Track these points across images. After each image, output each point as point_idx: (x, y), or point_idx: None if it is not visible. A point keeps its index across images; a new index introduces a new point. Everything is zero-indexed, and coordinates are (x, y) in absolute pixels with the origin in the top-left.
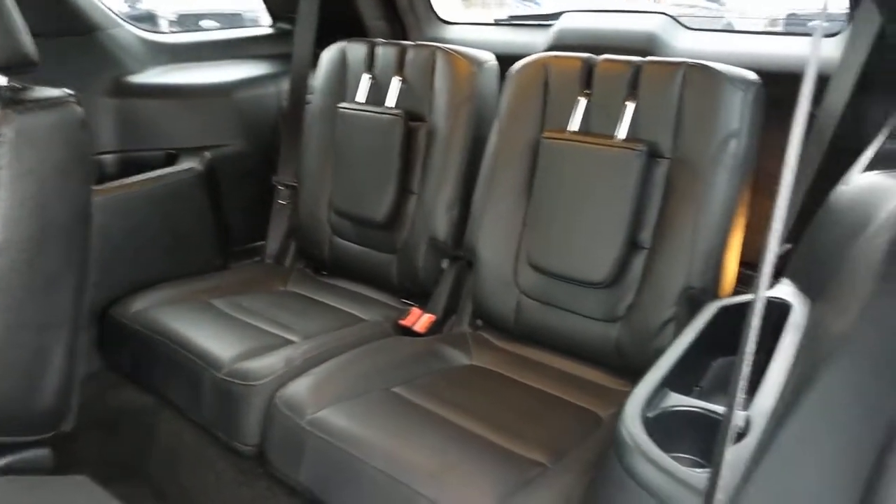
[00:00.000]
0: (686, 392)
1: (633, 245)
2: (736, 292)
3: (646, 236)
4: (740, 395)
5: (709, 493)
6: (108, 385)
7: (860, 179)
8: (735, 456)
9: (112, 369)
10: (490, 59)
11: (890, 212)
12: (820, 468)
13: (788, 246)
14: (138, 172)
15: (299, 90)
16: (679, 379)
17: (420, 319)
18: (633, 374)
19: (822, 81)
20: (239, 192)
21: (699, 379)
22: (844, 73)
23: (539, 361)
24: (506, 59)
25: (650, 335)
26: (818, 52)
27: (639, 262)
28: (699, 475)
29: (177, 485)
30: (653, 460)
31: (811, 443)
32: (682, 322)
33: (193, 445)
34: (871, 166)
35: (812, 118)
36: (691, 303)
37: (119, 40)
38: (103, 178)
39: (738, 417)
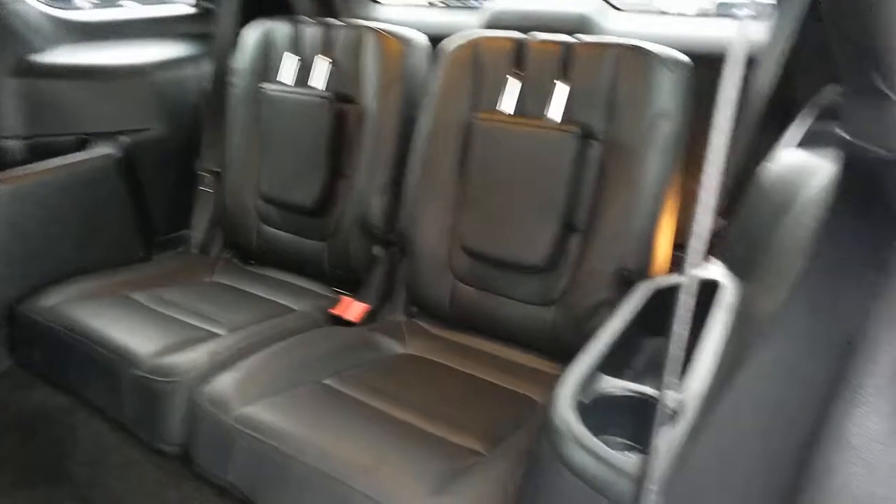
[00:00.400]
0: (619, 374)
1: (568, 228)
2: (668, 274)
3: (580, 219)
4: (673, 380)
5: (642, 477)
6: (19, 385)
7: (786, 158)
8: (668, 439)
9: (23, 368)
10: (421, 38)
11: (815, 189)
12: (753, 448)
13: (724, 223)
14: (48, 158)
15: (222, 72)
16: (612, 361)
17: (351, 308)
18: (570, 357)
19: (751, 63)
20: (160, 180)
21: (632, 360)
22: (771, 55)
23: (475, 348)
24: (438, 41)
25: (585, 318)
26: (746, 32)
27: (574, 245)
28: (631, 460)
29: (98, 489)
30: (585, 446)
31: (744, 422)
32: (616, 304)
33: (114, 447)
34: (796, 144)
35: (741, 100)
36: (625, 285)
37: (23, 17)
38: (9, 164)
39: (671, 400)
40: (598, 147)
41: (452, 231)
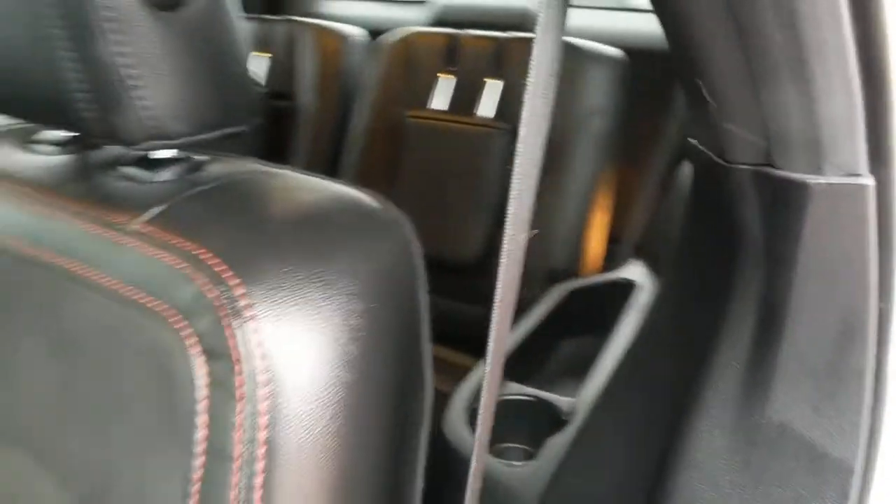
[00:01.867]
0: (528, 379)
1: (500, 225)
2: (605, 269)
3: None
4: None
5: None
6: None
7: None
8: (556, 444)
9: None
10: (360, 33)
11: None
12: (618, 461)
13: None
14: None
15: None
16: (520, 365)
17: None
18: None
19: None
20: None
21: (544, 364)
22: None
23: None
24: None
25: (514, 316)
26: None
27: None
28: (511, 469)
29: None
30: (466, 456)
31: (614, 433)
32: None
33: None
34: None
35: (674, 96)
36: (554, 283)
37: None
38: None
39: (564, 403)
40: None
41: None
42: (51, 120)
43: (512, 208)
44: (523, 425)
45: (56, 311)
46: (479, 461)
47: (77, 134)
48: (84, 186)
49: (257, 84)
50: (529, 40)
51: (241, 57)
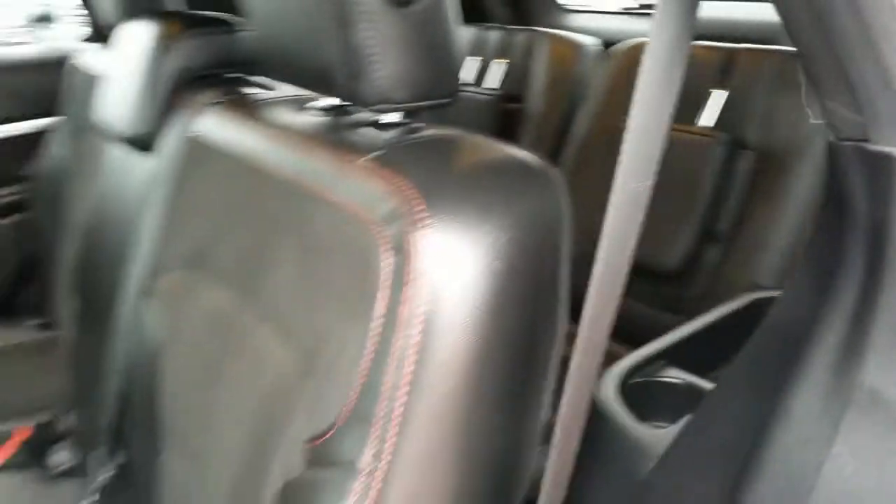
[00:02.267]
0: (699, 374)
1: (707, 236)
2: None
3: (722, 228)
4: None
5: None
6: None
7: None
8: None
9: None
10: (594, 43)
11: None
12: (725, 428)
13: None
14: None
15: None
16: (691, 359)
17: None
18: None
19: None
20: None
21: (719, 363)
22: None
23: None
24: None
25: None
26: None
27: (712, 254)
28: (649, 432)
29: None
30: (609, 415)
31: (726, 398)
32: (748, 319)
33: None
34: None
35: None
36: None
37: None
38: None
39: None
40: (749, 156)
41: (588, 231)
42: (320, 87)
43: (625, 160)
44: (673, 405)
45: (303, 220)
46: (576, 401)
47: (335, 104)
48: (334, 137)
49: (493, 89)
50: (759, 51)
51: (452, 47)
